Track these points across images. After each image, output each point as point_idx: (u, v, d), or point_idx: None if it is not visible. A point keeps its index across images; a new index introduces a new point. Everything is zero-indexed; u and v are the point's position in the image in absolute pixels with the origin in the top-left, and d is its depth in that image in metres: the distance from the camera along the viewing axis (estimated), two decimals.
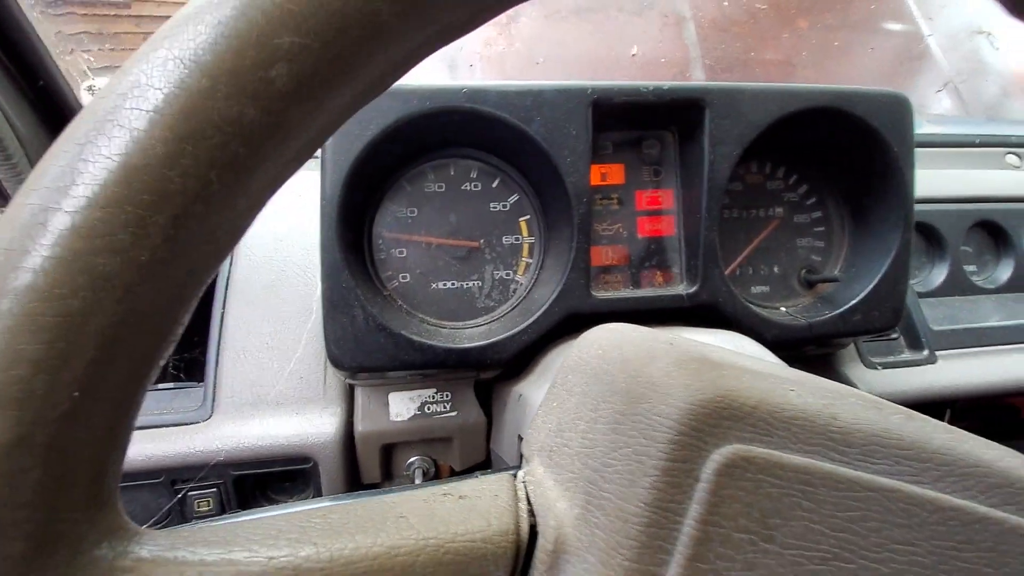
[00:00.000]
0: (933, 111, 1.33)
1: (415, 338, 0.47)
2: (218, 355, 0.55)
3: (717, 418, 0.22)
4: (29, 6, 0.60)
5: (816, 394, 0.25)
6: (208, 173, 0.16)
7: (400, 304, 0.52)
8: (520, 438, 0.45)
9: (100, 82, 0.70)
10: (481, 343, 0.49)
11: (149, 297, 0.16)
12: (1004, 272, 0.75)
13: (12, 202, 0.15)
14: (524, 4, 0.20)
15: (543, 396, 0.42)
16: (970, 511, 0.23)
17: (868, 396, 0.27)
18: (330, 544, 0.20)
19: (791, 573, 0.21)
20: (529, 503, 0.26)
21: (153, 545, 0.18)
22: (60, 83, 0.67)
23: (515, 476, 0.29)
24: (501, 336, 0.49)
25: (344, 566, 0.20)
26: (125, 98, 0.15)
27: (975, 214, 0.74)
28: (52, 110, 0.67)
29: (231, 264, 0.58)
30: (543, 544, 0.24)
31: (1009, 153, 0.96)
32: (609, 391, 0.26)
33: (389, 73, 0.19)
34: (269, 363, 0.55)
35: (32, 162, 0.63)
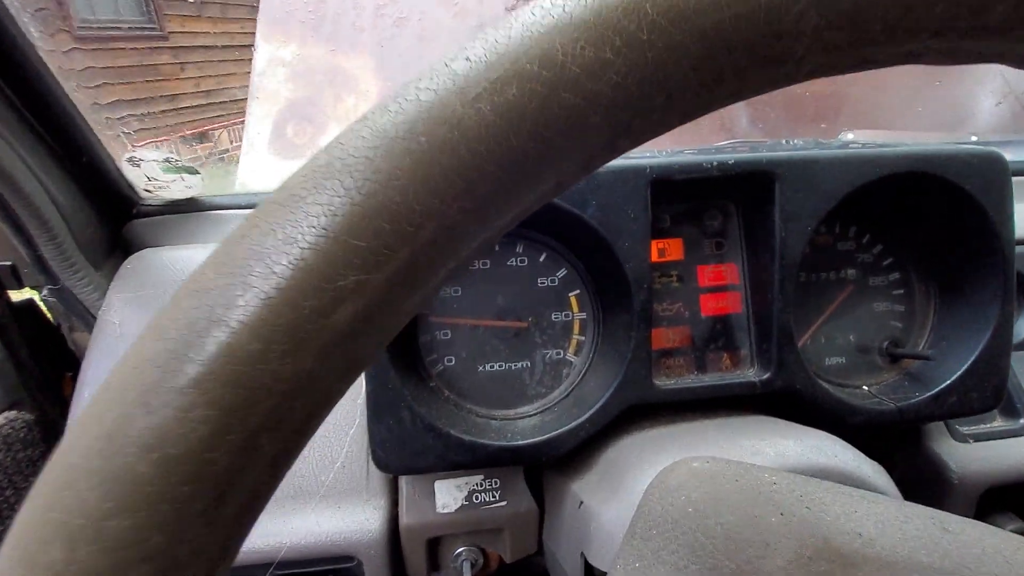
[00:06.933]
0: (992, 127, 1.24)
1: (465, 437, 0.44)
2: None
3: None
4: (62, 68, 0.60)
5: None
6: (258, 439, 0.13)
7: (447, 395, 0.49)
8: (583, 556, 0.41)
9: (141, 153, 0.69)
10: (535, 440, 0.45)
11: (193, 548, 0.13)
12: None
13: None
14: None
15: (609, 514, 0.38)
16: None
17: None
18: None
19: None
20: None
21: None
22: (102, 156, 0.67)
23: None
24: (556, 432, 0.45)
25: None
26: (164, 373, 0.12)
27: None
28: (95, 185, 0.67)
29: None
30: None
31: None
32: None
33: (451, 274, 0.17)
34: (309, 452, 0.52)
35: (77, 241, 0.63)
